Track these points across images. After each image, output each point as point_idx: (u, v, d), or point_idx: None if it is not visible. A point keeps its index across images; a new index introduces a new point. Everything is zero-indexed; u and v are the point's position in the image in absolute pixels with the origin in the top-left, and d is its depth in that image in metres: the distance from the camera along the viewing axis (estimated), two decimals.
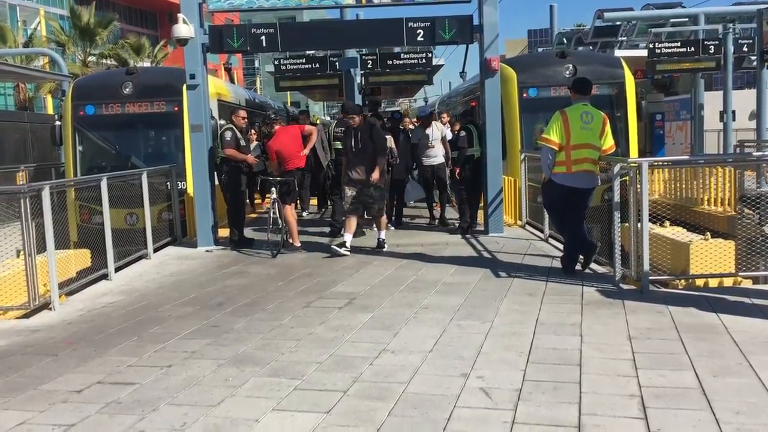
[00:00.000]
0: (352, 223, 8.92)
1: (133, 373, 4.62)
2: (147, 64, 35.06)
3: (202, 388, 4.26)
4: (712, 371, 4.19)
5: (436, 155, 11.27)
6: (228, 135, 9.53)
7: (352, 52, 14.56)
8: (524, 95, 12.89)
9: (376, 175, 8.69)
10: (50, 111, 28.10)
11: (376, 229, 9.32)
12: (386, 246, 8.98)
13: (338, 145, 10.20)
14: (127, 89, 11.87)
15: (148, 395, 4.17)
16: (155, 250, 9.50)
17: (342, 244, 8.76)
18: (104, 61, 35.49)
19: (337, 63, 14.76)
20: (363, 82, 15.84)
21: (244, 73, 66.64)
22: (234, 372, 4.53)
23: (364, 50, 15.47)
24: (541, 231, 9.70)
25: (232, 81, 22.46)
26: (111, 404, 4.06)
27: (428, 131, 11.28)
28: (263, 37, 9.71)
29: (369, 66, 15.20)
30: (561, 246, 8.11)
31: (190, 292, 7.05)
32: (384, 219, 9.15)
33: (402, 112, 14.57)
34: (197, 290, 7.15)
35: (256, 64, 70.54)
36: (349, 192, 8.86)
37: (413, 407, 3.84)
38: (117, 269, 8.23)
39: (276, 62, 15.94)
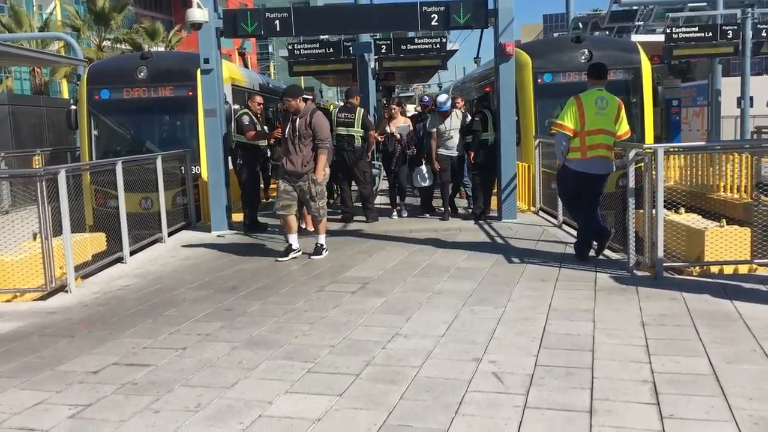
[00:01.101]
0: (290, 222, 7.85)
1: (148, 355, 4.67)
2: (161, 48, 35.13)
3: (216, 371, 4.30)
4: (725, 358, 4.17)
5: (454, 146, 10.41)
6: (246, 119, 9.60)
7: (365, 37, 14.51)
8: (539, 80, 12.80)
9: (319, 172, 7.68)
10: (66, 95, 28.25)
11: (314, 231, 8.20)
12: (324, 253, 7.82)
13: (341, 130, 10.05)
14: (142, 74, 11.90)
15: (163, 377, 4.22)
16: (169, 235, 9.56)
17: (287, 250, 7.83)
18: (119, 45, 35.65)
19: (350, 48, 14.72)
20: (377, 67, 15.81)
21: (258, 57, 66.61)
22: (248, 355, 4.57)
23: (378, 35, 15.43)
24: (555, 217, 9.66)
25: (245, 66, 22.48)
26: (126, 385, 4.11)
27: (447, 120, 10.49)
28: (277, 22, 9.68)
29: (383, 51, 15.18)
30: (574, 232, 8.08)
31: (203, 276, 7.10)
32: (323, 222, 7.98)
33: (431, 96, 14.37)
34: (211, 274, 7.20)
35: (270, 49, 70.49)
36: (282, 186, 7.82)
37: (425, 391, 3.86)
38: (132, 253, 8.29)
39: (290, 47, 15.94)
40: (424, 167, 10.55)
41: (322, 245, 7.90)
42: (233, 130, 10.06)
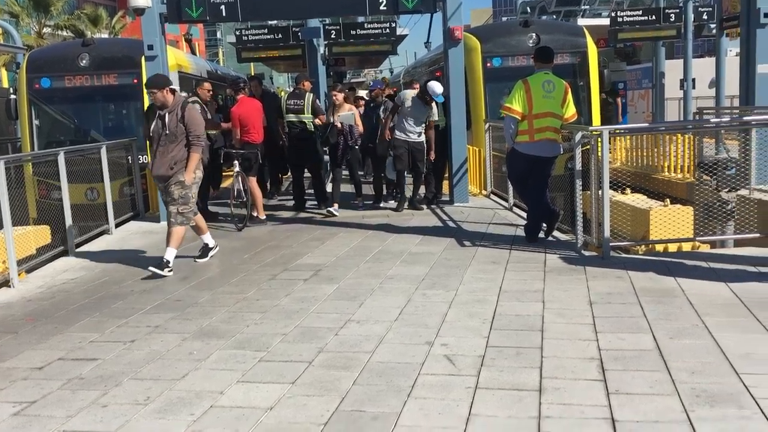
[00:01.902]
0: (198, 222, 7.07)
1: (95, 348, 4.57)
2: (104, 35, 34.20)
3: (166, 362, 4.24)
4: (669, 333, 4.29)
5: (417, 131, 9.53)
6: (197, 108, 9.40)
7: (314, 22, 14.38)
8: (488, 65, 12.89)
9: (188, 173, 6.63)
10: (5, 84, 27.33)
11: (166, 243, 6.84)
12: (168, 269, 6.59)
13: (291, 117, 9.92)
14: (84, 61, 11.59)
15: (110, 370, 4.14)
16: (117, 225, 9.36)
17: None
18: (60, 32, 34.54)
19: (299, 33, 14.57)
20: (326, 53, 15.70)
21: (206, 44, 65.39)
22: (198, 345, 4.51)
23: (326, 20, 15.31)
24: (506, 200, 9.77)
25: (193, 52, 22.05)
26: (73, 380, 4.02)
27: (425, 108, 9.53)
28: (223, 7, 9.52)
29: (332, 36, 15.10)
30: (525, 214, 8.18)
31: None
32: (177, 231, 6.73)
33: (383, 80, 14.14)
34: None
35: (219, 35, 69.34)
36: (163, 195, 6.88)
37: (378, 375, 3.87)
38: (78, 245, 8.10)
39: (237, 33, 15.70)
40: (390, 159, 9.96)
41: (167, 261, 6.61)
42: None
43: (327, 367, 4.03)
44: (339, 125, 9.53)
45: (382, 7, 9.65)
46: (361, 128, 9.90)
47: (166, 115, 6.60)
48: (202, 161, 9.54)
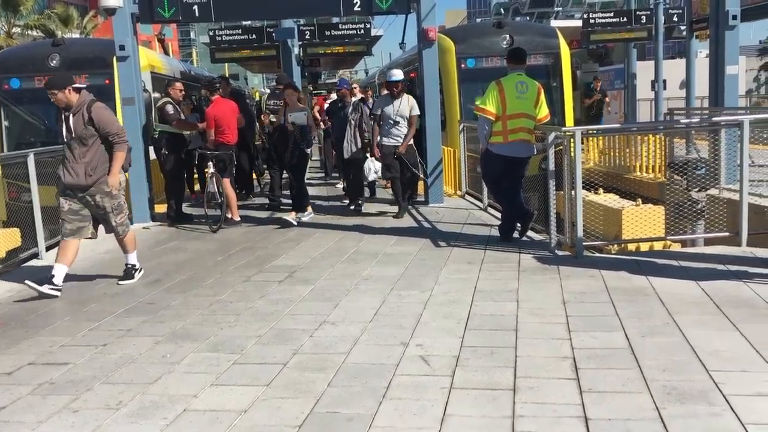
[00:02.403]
0: (69, 248, 6.13)
1: (66, 353, 4.51)
2: (75, 35, 33.75)
3: (139, 366, 4.19)
4: (640, 332, 4.34)
5: (401, 134, 9.11)
6: (170, 108, 9.34)
7: (289, 23, 14.33)
8: (462, 66, 12.97)
9: (112, 177, 6.05)
10: None
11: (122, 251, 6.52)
12: (137, 275, 6.43)
13: (272, 118, 9.94)
14: (54, 61, 11.46)
15: (82, 375, 4.08)
16: None
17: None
18: (30, 32, 34.01)
19: (274, 34, 14.50)
20: (301, 54, 15.66)
21: (179, 44, 64.80)
22: (171, 348, 4.47)
23: (301, 21, 15.28)
24: (480, 200, 9.82)
25: (166, 53, 21.85)
26: (44, 385, 3.95)
27: (396, 102, 9.06)
28: (195, 7, 9.46)
29: (307, 37, 15.07)
30: (499, 215, 8.23)
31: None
32: (129, 238, 6.39)
33: (348, 80, 13.92)
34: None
35: (192, 35, 68.81)
36: (66, 205, 6.09)
37: (353, 377, 3.87)
38: (48, 248, 7.97)
39: (211, 33, 15.60)
40: (369, 163, 9.37)
41: (133, 266, 6.42)
42: (156, 120, 9.78)
43: (302, 369, 4.01)
44: (290, 126, 8.99)
45: (356, 8, 9.65)
46: (317, 128, 10.01)
47: (71, 117, 5.98)
48: (174, 160, 9.52)
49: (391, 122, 9.09)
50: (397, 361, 4.06)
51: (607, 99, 18.69)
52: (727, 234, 6.81)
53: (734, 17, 10.39)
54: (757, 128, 8.33)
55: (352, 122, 9.61)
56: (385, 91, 9.57)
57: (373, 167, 9.35)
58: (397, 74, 9.18)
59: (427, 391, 3.63)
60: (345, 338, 4.51)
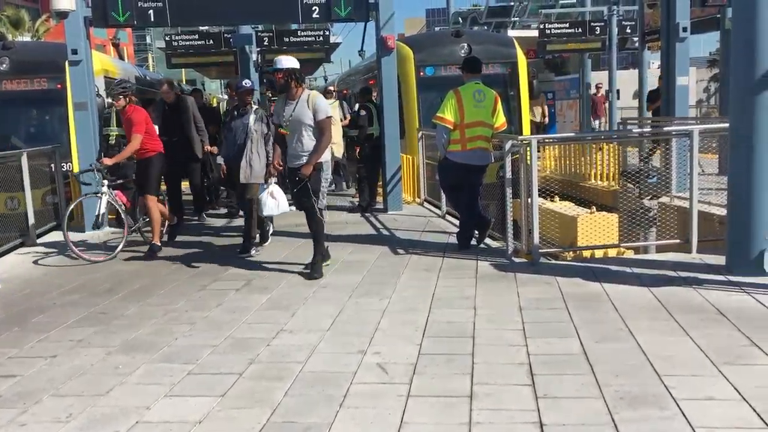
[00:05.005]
0: None
1: (14, 365, 4.38)
2: (27, 38, 32.96)
3: (90, 378, 4.09)
4: (594, 337, 4.40)
5: (306, 151, 6.33)
6: None
7: (246, 28, 14.21)
8: (421, 74, 13.03)
9: None
10: None
11: None
12: None
13: None
14: (4, 65, 11.16)
15: (30, 387, 3.97)
16: (39, 236, 9.01)
17: None
18: None
19: (231, 39, 14.37)
20: (259, 60, 15.55)
21: (135, 49, 63.84)
22: (124, 359, 4.38)
23: (259, 26, 15.18)
24: (439, 208, 9.86)
25: (121, 57, 21.52)
26: None
27: (290, 106, 6.39)
28: (151, 11, 9.30)
29: (265, 43, 14.97)
30: (457, 222, 8.28)
31: (76, 279, 6.74)
32: None
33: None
34: (84, 276, 6.84)
35: (148, 40, 67.87)
36: None
37: (310, 386, 3.84)
38: None
39: (167, 38, 15.40)
40: (268, 190, 6.78)
41: None
42: (113, 124, 9.55)
43: (258, 379, 3.97)
44: None
45: (315, 15, 9.62)
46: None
47: None
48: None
49: (292, 133, 6.44)
50: (355, 369, 4.04)
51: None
52: (678, 241, 6.97)
53: (684, 30, 10.67)
54: (706, 138, 8.57)
55: (255, 135, 7.39)
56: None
57: (271, 199, 6.76)
58: (284, 60, 6.81)
59: (384, 399, 3.62)
60: (303, 347, 4.47)
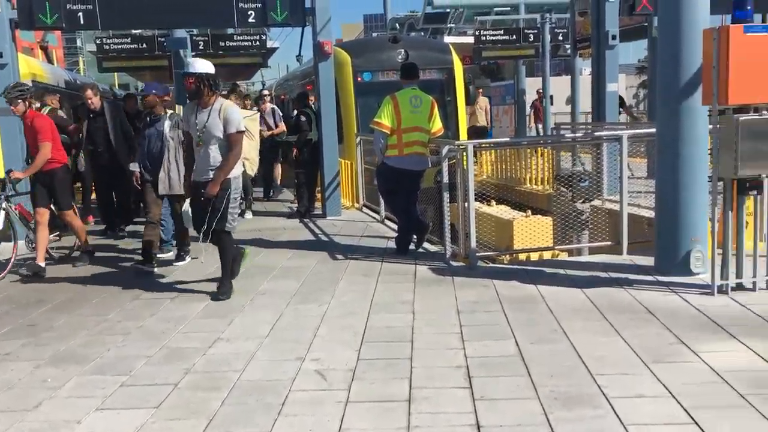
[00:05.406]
0: None
1: None
2: None
3: (17, 392, 3.94)
4: (530, 339, 4.49)
5: (215, 162, 5.79)
6: (64, 113, 8.82)
7: (181, 32, 13.97)
8: (359, 79, 13.05)
9: None
10: None
11: None
12: None
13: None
14: None
15: None
16: None
17: None
18: None
19: (165, 43, 14.11)
20: None
21: (65, 52, 61.93)
22: (54, 372, 4.23)
23: (194, 30, 14.95)
24: (378, 213, 9.90)
25: (49, 61, 20.81)
26: None
27: (204, 113, 5.80)
28: (80, 14, 9.04)
29: (200, 47, 14.76)
30: (396, 227, 8.32)
31: (2, 291, 6.48)
32: None
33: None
34: (11, 288, 6.58)
35: (79, 43, 65.89)
36: None
37: (248, 394, 3.79)
38: None
39: (98, 41, 15.01)
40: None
41: None
42: None
43: (194, 389, 3.89)
44: None
45: (250, 20, 9.53)
46: None
47: None
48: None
49: (199, 145, 5.85)
50: (293, 376, 4.01)
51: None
52: (609, 243, 7.18)
53: (614, 38, 11.02)
54: (635, 142, 8.84)
55: (171, 143, 6.94)
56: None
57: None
58: (197, 64, 5.97)
59: (322, 405, 3.60)
60: (240, 355, 4.41)
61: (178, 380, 4.02)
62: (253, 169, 8.99)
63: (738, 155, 4.97)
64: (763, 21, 11.21)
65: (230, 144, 5.77)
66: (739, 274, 5.30)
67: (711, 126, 5.46)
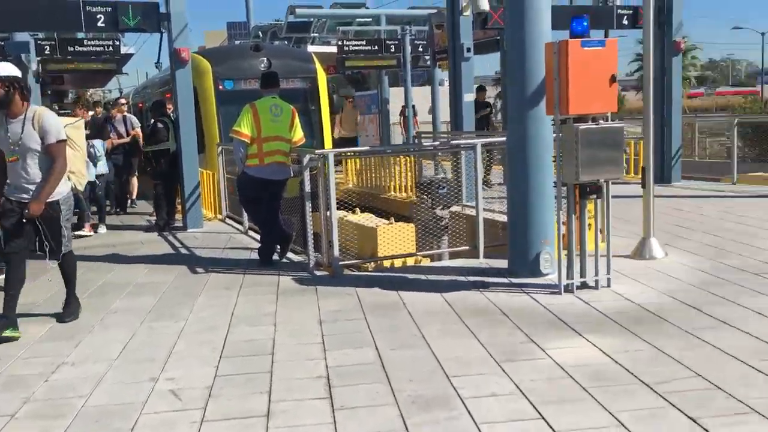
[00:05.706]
0: None
1: None
2: None
3: None
4: (391, 345, 4.53)
5: (33, 177, 5.19)
6: None
7: (23, 35, 13.05)
8: (220, 87, 12.78)
9: None
10: None
11: None
12: None
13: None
14: None
15: None
16: None
17: None
18: None
19: (4, 47, 13.13)
20: (40, 70, 14.38)
21: None
22: None
23: (39, 34, 14.05)
24: (241, 224, 9.69)
25: None
26: None
27: (16, 123, 5.14)
28: None
29: (47, 52, 13.88)
30: (259, 237, 8.18)
31: None
32: None
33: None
34: None
35: None
36: None
37: (94, 421, 3.56)
38: None
39: None
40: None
41: None
42: None
43: (33, 418, 3.61)
44: None
45: (100, 24, 9.08)
46: None
47: None
48: None
49: (12, 160, 5.19)
50: (146, 399, 3.82)
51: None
52: (467, 247, 7.41)
53: (468, 50, 11.44)
54: (494, 150, 9.21)
55: None
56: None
57: None
58: (4, 67, 5.21)
59: (176, 427, 3.45)
60: (87, 379, 4.15)
61: (16, 410, 3.72)
62: (81, 183, 8.50)
63: (578, 162, 5.28)
64: (606, 36, 12.04)
65: (52, 156, 5.14)
66: (583, 274, 5.63)
67: (555, 134, 5.77)
